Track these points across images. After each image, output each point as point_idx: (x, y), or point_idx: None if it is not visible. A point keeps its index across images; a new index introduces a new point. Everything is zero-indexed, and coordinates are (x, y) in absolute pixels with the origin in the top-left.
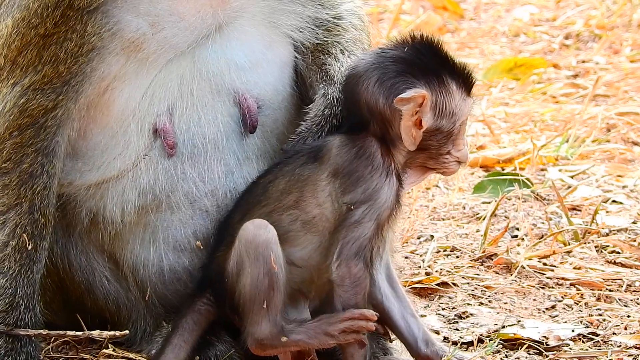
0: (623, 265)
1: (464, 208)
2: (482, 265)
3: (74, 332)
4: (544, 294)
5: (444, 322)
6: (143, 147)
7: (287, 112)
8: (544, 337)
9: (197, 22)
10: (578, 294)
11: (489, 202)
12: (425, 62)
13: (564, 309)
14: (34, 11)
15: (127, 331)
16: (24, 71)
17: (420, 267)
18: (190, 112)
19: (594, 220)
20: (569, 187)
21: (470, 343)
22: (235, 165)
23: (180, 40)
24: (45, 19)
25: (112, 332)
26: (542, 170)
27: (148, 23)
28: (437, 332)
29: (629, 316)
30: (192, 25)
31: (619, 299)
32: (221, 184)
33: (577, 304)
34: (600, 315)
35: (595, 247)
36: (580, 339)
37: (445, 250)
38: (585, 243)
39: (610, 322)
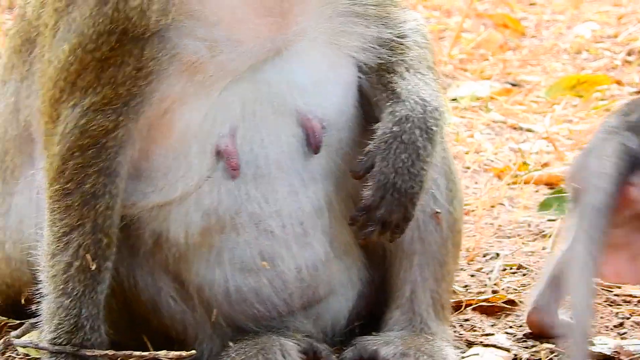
0: None
1: (530, 226)
2: None
3: (140, 352)
4: (611, 311)
5: (513, 341)
6: (206, 169)
7: (351, 132)
8: (616, 352)
9: (256, 47)
10: None
11: (555, 220)
12: None
13: (632, 326)
14: (90, 36)
15: (193, 351)
16: (84, 93)
17: (486, 285)
18: (253, 134)
19: None
20: None
21: None
22: (300, 186)
23: (240, 64)
24: (100, 45)
25: (178, 352)
26: None
27: (206, 47)
28: (507, 350)
29: None
30: (251, 49)
31: None
32: (286, 204)
33: None
34: None
35: None
36: None
37: (511, 268)
38: None
39: None
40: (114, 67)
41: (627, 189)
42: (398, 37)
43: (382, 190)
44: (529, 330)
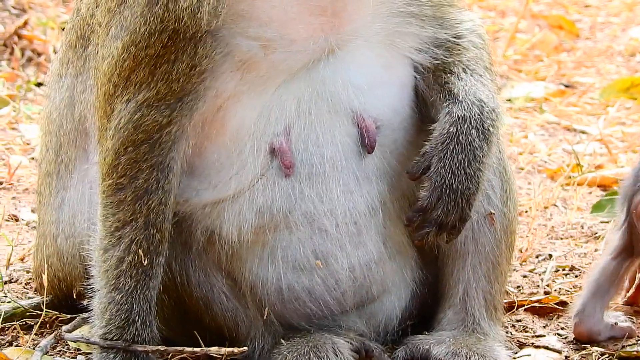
0: None
1: (582, 227)
2: None
3: (191, 348)
4: None
5: (564, 343)
6: (260, 167)
7: (406, 133)
8: None
9: (309, 46)
10: None
11: (608, 222)
12: None
13: None
14: (142, 34)
15: (245, 348)
16: (138, 88)
17: (539, 286)
18: (308, 132)
19: None
20: None
21: None
22: (354, 185)
23: (293, 62)
24: (153, 43)
25: (230, 349)
26: None
27: (259, 46)
28: (558, 352)
29: None
30: (305, 48)
31: None
32: (340, 203)
33: None
34: None
35: None
36: None
37: (564, 270)
38: None
39: None
40: (168, 64)
41: None
42: (454, 37)
43: (439, 191)
44: None
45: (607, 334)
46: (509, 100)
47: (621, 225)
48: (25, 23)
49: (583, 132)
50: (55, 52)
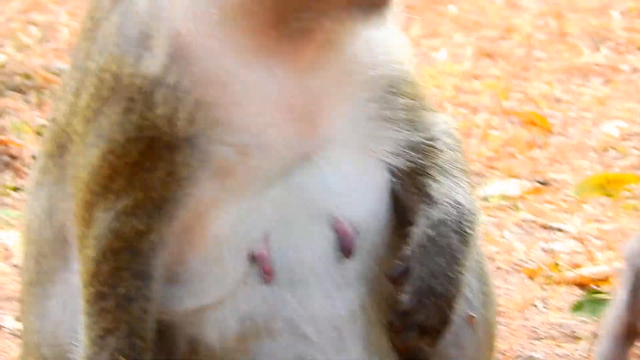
0: None
1: (562, 327)
2: None
3: None
4: None
5: None
6: (240, 274)
7: (385, 236)
8: None
9: (285, 151)
10: None
11: (588, 322)
12: None
13: None
14: (119, 143)
15: None
16: (116, 196)
17: None
18: (287, 238)
19: None
20: None
21: None
22: (334, 290)
23: (270, 168)
24: (130, 150)
25: None
26: None
27: (235, 152)
28: None
29: None
30: (281, 154)
31: None
32: (321, 309)
33: None
34: None
35: None
36: None
37: None
38: None
39: None
40: (145, 172)
41: None
42: (429, 140)
43: (420, 294)
44: None
45: None
46: (484, 198)
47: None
48: (1, 128)
49: (560, 230)
50: (33, 157)
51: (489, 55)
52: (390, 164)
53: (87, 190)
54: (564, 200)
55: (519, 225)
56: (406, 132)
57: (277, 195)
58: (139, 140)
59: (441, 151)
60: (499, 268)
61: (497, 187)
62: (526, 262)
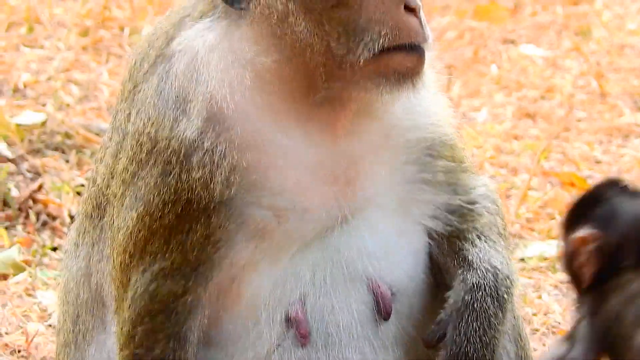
0: None
1: None
2: None
3: None
4: None
5: None
6: (276, 337)
7: (421, 299)
8: None
9: (323, 215)
10: None
11: None
12: None
13: None
14: (155, 205)
15: None
16: (153, 258)
17: None
18: (324, 300)
19: None
20: None
21: None
22: (370, 353)
23: (307, 231)
24: (166, 213)
25: None
26: None
27: (272, 215)
28: None
29: None
30: (319, 217)
31: None
32: None
33: None
34: None
35: None
36: None
37: None
38: None
39: None
40: (182, 234)
41: None
42: (468, 203)
43: (455, 359)
44: None
45: None
46: (522, 260)
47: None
48: (40, 187)
49: None
50: (71, 216)
51: (530, 116)
52: (428, 227)
53: (124, 252)
54: None
55: (557, 287)
56: (445, 195)
57: (314, 258)
58: (176, 203)
59: (480, 215)
60: (536, 330)
61: (535, 248)
62: (563, 324)
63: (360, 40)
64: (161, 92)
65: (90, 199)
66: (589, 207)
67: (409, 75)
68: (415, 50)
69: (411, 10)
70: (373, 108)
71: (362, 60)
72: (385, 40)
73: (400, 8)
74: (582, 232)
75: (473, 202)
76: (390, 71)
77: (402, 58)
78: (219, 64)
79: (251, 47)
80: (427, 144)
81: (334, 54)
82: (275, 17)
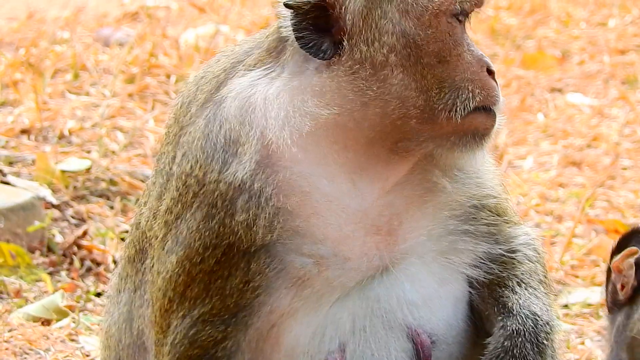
0: None
1: None
2: None
3: None
4: None
5: None
6: None
7: (461, 347)
8: None
9: (363, 264)
10: None
11: None
12: None
13: None
14: (196, 249)
15: None
16: (192, 303)
17: None
18: (363, 349)
19: None
20: None
21: None
22: None
23: (347, 280)
24: (207, 257)
25: None
26: None
27: (313, 263)
28: None
29: None
30: (359, 266)
31: None
32: None
33: None
34: None
35: None
36: None
37: None
38: None
39: None
40: (222, 279)
41: None
42: (509, 252)
43: None
44: None
45: None
46: (566, 306)
47: None
48: (85, 233)
49: None
50: (114, 262)
51: (575, 164)
52: (468, 275)
53: (163, 296)
54: None
55: (600, 333)
56: (486, 244)
57: (354, 306)
58: (217, 248)
59: (521, 263)
60: None
61: (579, 295)
62: None
63: (457, 97)
64: (209, 134)
65: (133, 242)
66: (633, 235)
67: (485, 135)
68: (492, 111)
69: (490, 72)
70: (428, 163)
71: (459, 117)
72: (478, 99)
73: (484, 70)
74: (628, 249)
75: (514, 251)
76: (472, 130)
77: (484, 118)
78: (279, 112)
79: (314, 98)
80: (472, 202)
81: (430, 108)
82: (369, 69)
